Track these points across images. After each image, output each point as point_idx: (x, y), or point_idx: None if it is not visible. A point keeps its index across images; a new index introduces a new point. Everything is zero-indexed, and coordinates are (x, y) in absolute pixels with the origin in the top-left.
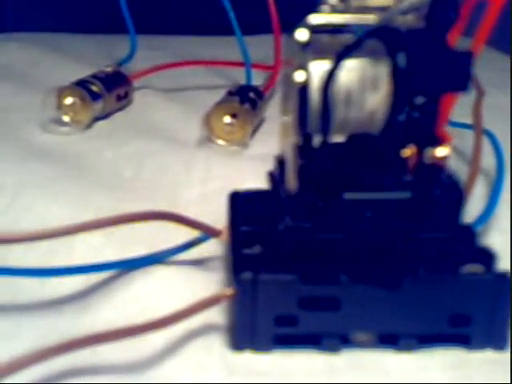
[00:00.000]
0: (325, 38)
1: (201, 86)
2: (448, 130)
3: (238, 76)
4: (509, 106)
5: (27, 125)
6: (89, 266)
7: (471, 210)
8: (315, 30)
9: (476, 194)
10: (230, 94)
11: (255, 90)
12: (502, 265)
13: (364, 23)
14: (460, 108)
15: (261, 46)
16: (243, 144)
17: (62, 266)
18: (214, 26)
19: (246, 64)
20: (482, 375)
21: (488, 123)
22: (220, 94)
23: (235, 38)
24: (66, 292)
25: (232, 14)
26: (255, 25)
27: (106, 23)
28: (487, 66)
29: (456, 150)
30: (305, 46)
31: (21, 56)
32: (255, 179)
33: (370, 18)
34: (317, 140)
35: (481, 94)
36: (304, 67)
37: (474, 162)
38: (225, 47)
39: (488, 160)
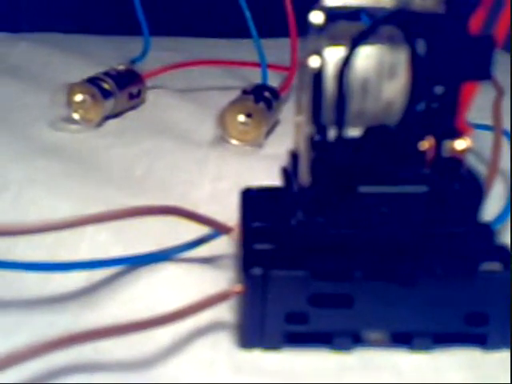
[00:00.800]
0: (341, 24)
1: (214, 87)
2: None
3: (253, 77)
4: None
5: (37, 123)
6: (95, 262)
7: (489, 210)
8: (332, 15)
9: (494, 194)
10: (245, 93)
11: (271, 89)
12: None
13: (381, 7)
14: (477, 109)
15: (276, 50)
16: (257, 144)
17: (67, 261)
18: (229, 28)
19: (261, 64)
20: (499, 376)
21: (505, 124)
22: (234, 94)
23: (249, 40)
24: (71, 288)
25: (248, 14)
26: (271, 28)
27: (118, 24)
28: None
29: (473, 152)
30: (320, 29)
31: (32, 56)
32: (268, 179)
33: (387, 2)
34: (331, 132)
35: (500, 92)
36: (319, 52)
37: (492, 161)
38: (239, 50)
39: (506, 160)
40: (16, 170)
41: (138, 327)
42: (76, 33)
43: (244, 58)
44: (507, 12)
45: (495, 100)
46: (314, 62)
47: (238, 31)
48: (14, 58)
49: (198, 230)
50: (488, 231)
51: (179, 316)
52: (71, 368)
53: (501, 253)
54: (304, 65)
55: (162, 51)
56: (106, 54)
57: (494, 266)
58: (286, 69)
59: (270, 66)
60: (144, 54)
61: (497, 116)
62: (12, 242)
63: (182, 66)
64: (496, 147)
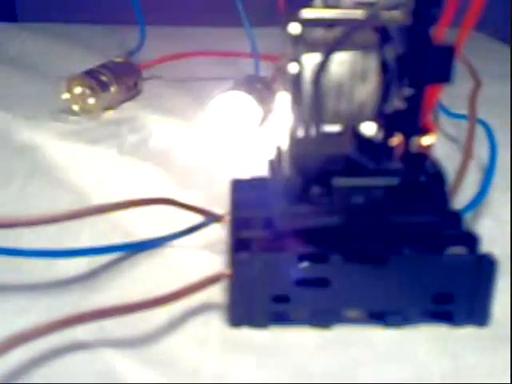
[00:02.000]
0: (318, 32)
1: (210, 77)
2: (444, 119)
3: (246, 67)
4: (503, 96)
5: (38, 114)
6: (96, 249)
7: (464, 196)
8: (310, 23)
9: (471, 182)
10: (237, 84)
11: (262, 80)
12: (493, 249)
13: (353, 18)
14: (459, 100)
15: (272, 38)
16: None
17: (70, 248)
18: (225, 17)
19: (254, 54)
20: (464, 349)
21: (484, 113)
22: (228, 84)
23: (243, 29)
24: (74, 273)
25: (241, 5)
26: (266, 16)
27: (117, 14)
28: (487, 56)
29: (452, 139)
30: (297, 39)
31: (32, 46)
32: (260, 167)
33: (359, 13)
34: (311, 130)
35: (478, 84)
36: (297, 60)
37: (466, 148)
38: (235, 39)
39: (483, 149)
40: (19, 160)
41: (136, 308)
42: (73, 22)
43: (238, 46)
44: (470, 14)
45: (472, 91)
46: (293, 68)
47: (233, 20)
48: (15, 48)
49: (192, 219)
50: (456, 218)
51: (174, 297)
52: (79, 344)
53: (467, 238)
54: (284, 69)
55: (158, 40)
56: (104, 43)
57: (460, 249)
58: (278, 59)
59: (262, 57)
60: (140, 45)
61: (472, 106)
62: (18, 232)
63: (177, 57)
64: (470, 135)
